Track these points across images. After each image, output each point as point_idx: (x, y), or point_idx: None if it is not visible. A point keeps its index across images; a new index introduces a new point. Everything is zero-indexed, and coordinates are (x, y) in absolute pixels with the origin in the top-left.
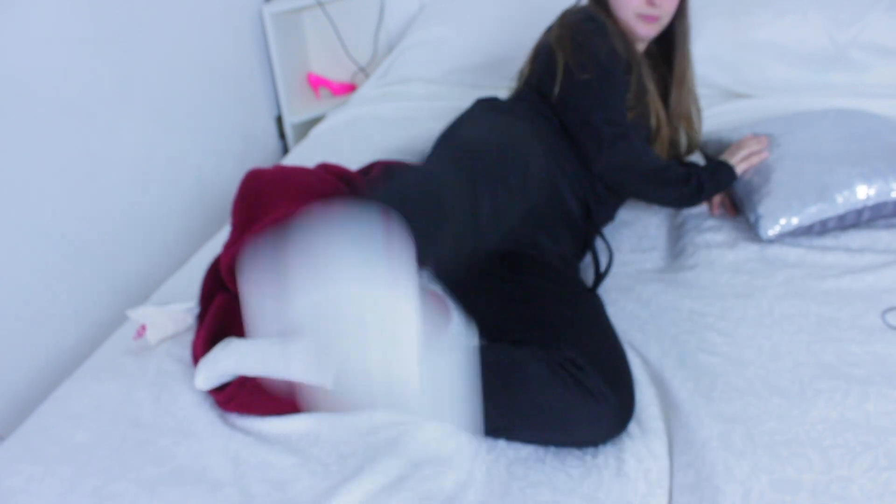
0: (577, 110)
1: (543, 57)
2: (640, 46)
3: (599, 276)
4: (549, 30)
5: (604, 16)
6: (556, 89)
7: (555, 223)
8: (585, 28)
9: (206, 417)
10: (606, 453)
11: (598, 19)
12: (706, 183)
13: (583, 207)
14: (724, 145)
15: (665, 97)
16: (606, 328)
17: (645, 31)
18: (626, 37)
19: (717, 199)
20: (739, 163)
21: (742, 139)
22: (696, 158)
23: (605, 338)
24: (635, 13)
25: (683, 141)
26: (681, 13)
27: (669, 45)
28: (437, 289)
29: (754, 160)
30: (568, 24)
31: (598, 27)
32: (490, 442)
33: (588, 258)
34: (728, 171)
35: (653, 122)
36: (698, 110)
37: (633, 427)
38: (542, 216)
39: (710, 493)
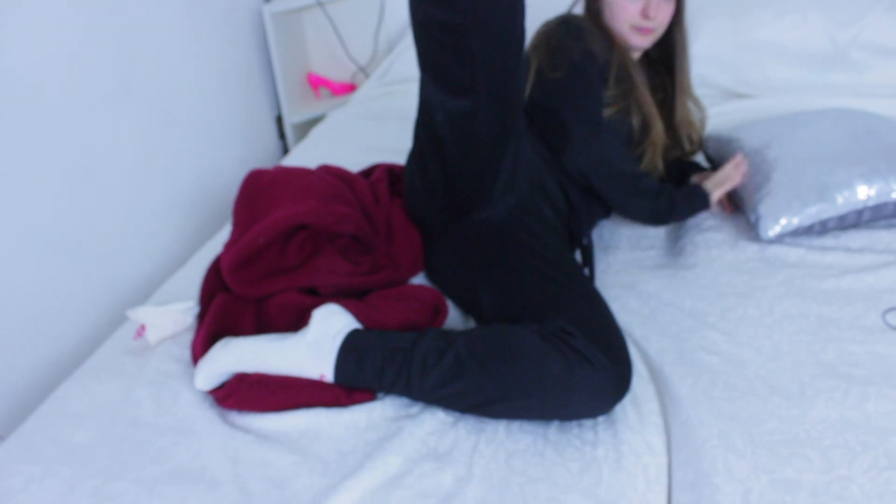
0: (548, 109)
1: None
2: (636, 54)
3: (588, 266)
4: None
5: (591, 25)
6: (527, 90)
7: (540, 201)
8: (558, 31)
9: (206, 417)
10: (606, 445)
11: (572, 22)
12: (678, 203)
13: (566, 200)
14: (724, 145)
15: (664, 103)
16: (594, 299)
17: (640, 43)
18: (610, 39)
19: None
20: (716, 189)
21: (725, 164)
22: (699, 159)
23: (593, 308)
24: (630, 25)
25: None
26: (677, 22)
27: (668, 52)
28: (434, 287)
29: (727, 186)
30: (543, 32)
31: (570, 30)
32: (489, 434)
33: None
34: (703, 197)
35: (634, 121)
36: (701, 110)
37: (632, 417)
38: (534, 189)
39: (709, 492)
